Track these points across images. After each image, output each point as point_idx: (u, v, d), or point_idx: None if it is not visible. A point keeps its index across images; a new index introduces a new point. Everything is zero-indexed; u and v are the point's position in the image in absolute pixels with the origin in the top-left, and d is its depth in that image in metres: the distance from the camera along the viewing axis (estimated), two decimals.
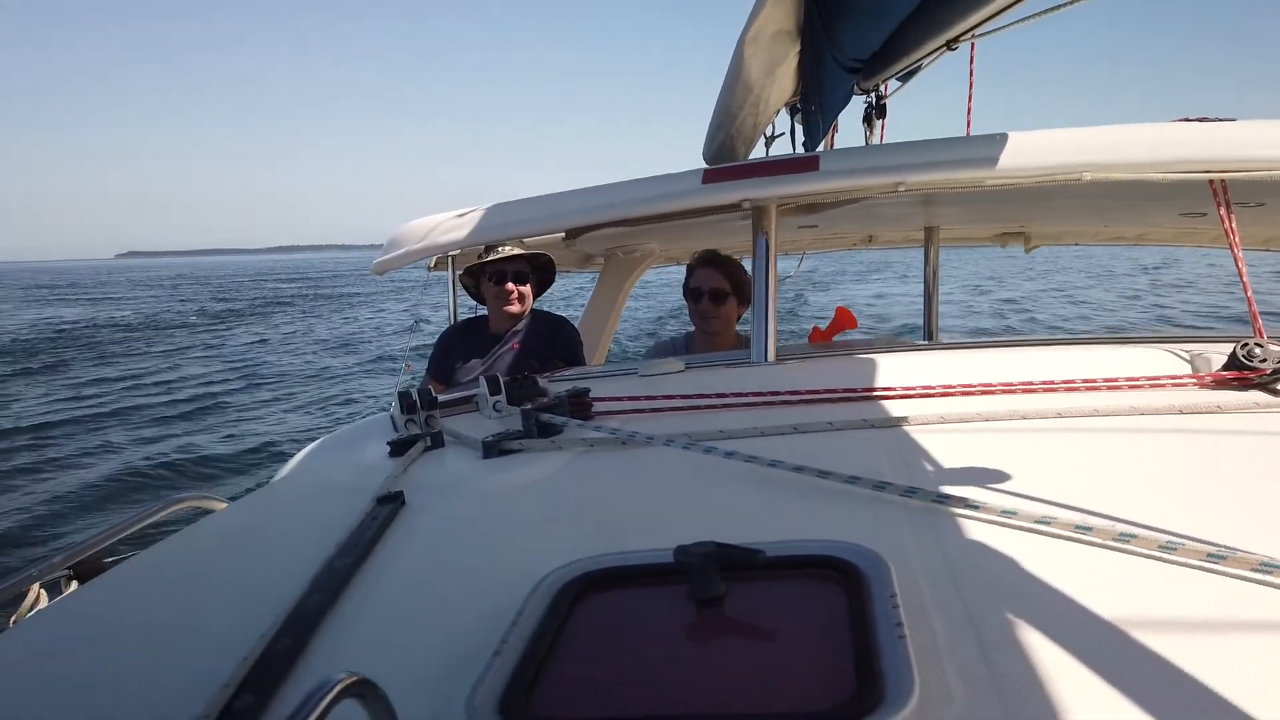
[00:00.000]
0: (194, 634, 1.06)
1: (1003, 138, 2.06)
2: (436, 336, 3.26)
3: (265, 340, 22.24)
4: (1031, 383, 1.78)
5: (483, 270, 3.04)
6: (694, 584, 0.87)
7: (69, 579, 1.89)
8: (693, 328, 3.18)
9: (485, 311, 3.19)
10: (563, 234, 2.80)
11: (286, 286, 54.41)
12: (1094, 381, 1.77)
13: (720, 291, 2.98)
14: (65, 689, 0.95)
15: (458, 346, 3.13)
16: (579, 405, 1.82)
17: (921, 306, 3.80)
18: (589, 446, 1.60)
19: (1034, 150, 2.03)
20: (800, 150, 4.02)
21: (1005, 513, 1.08)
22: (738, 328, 3.14)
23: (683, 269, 3.33)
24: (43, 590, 1.82)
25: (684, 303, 3.11)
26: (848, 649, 0.76)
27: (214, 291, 51.49)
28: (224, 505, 1.95)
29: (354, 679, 0.60)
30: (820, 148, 3.74)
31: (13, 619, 1.77)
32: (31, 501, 8.40)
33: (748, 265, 3.03)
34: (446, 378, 3.08)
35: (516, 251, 2.99)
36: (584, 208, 2.45)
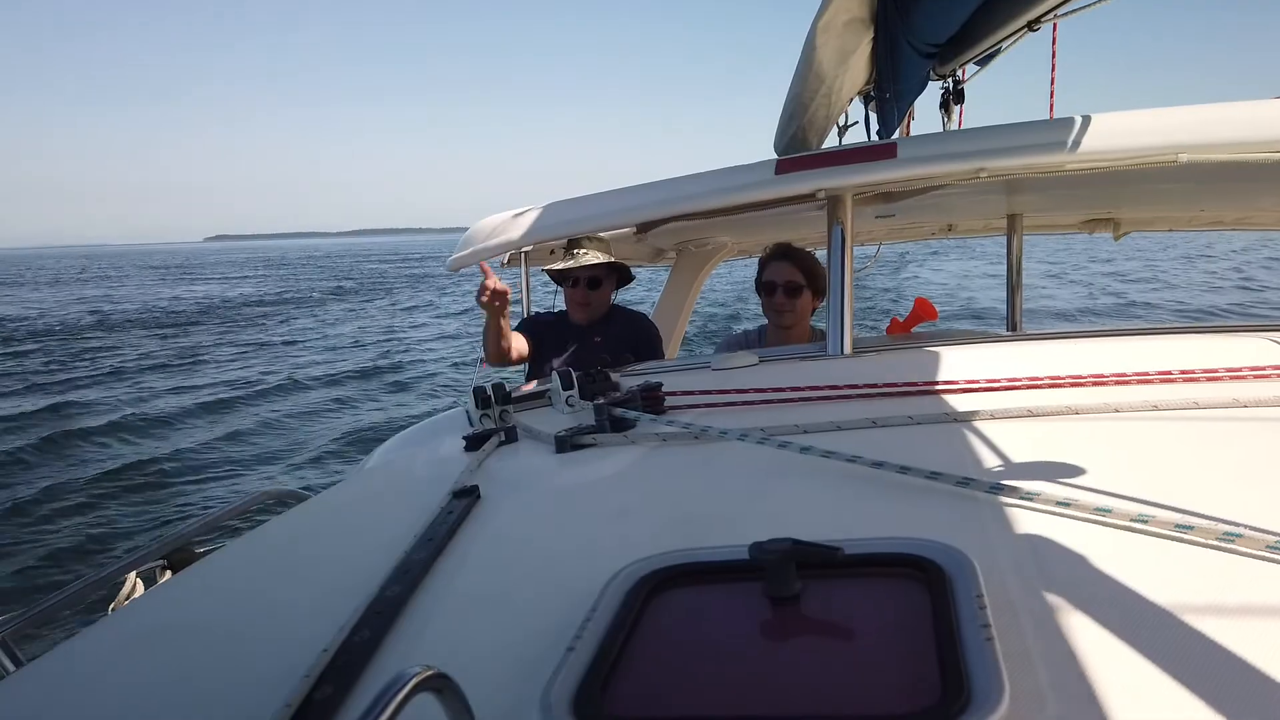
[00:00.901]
0: (279, 624, 1.08)
1: (1090, 119, 1.98)
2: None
3: (396, 313, 23.95)
4: (1124, 374, 1.70)
5: (558, 271, 3.06)
6: (770, 581, 0.85)
7: (163, 568, 1.97)
8: (766, 322, 3.14)
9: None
10: (634, 228, 2.80)
11: (389, 266, 58.01)
12: (1192, 372, 1.68)
13: (794, 285, 2.94)
14: (158, 675, 0.99)
15: (548, 333, 3.14)
16: (651, 400, 1.81)
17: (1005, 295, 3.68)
18: (662, 441, 1.59)
19: (1125, 132, 1.94)
20: (875, 139, 3.94)
21: (1099, 510, 1.03)
22: (814, 322, 3.10)
23: (754, 262, 3.29)
24: (139, 580, 1.90)
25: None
26: (931, 650, 0.73)
27: (324, 270, 55.31)
28: (308, 498, 2.00)
29: (430, 673, 0.60)
30: (895, 136, 3.66)
31: (111, 606, 1.86)
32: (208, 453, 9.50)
33: (821, 257, 2.98)
34: (534, 335, 3.10)
35: (593, 261, 2.98)
36: (654, 201, 2.44)
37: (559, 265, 3.01)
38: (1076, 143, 1.95)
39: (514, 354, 2.98)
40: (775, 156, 2.45)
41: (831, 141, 3.67)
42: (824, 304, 3.04)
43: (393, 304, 28.39)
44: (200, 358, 16.92)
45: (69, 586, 1.75)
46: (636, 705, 0.72)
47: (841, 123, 3.86)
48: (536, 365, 3.10)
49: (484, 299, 2.64)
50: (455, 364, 14.99)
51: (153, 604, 1.35)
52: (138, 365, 16.10)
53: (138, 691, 0.95)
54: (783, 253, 3.00)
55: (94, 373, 15.42)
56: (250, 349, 17.99)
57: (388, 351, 16.70)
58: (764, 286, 3.00)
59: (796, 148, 3.15)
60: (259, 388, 13.24)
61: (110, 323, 24.86)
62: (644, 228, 2.83)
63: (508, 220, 2.72)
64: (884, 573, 0.89)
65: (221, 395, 12.71)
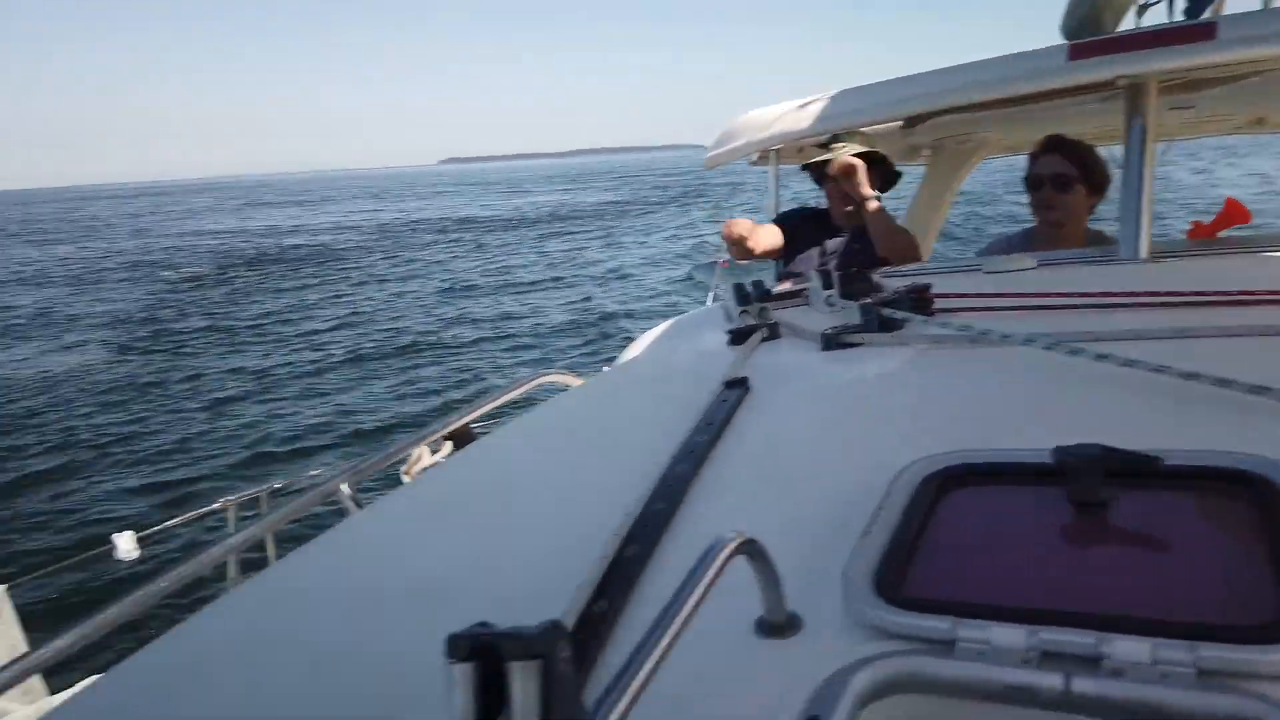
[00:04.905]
0: (573, 492, 1.18)
1: None
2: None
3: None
4: None
5: (820, 168, 2.96)
6: (1075, 486, 0.82)
7: (444, 441, 2.19)
8: (1034, 223, 2.91)
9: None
10: (901, 122, 2.66)
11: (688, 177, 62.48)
12: None
13: (1065, 178, 2.65)
14: (462, 534, 1.11)
15: (801, 228, 3.09)
16: (921, 301, 1.74)
17: None
18: (934, 344, 1.54)
19: None
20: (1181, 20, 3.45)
21: None
22: (1098, 226, 2.83)
23: (1018, 160, 3.04)
24: (426, 449, 2.13)
25: None
26: (1265, 568, 0.68)
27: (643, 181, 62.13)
28: (579, 382, 2.13)
29: (744, 538, 0.65)
30: (1205, 16, 3.19)
31: (404, 470, 2.10)
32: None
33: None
34: (789, 229, 3.08)
35: (852, 150, 2.86)
36: (931, 92, 2.29)
37: (820, 157, 2.88)
38: None
39: (760, 249, 2.95)
40: (1063, 41, 2.23)
41: (1129, 24, 3.26)
42: (1100, 203, 2.77)
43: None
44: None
45: (379, 450, 1.99)
46: (937, 590, 0.73)
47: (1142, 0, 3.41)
48: (789, 262, 3.06)
49: (741, 259, 2.68)
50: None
51: (445, 476, 1.51)
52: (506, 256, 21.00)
53: (444, 548, 1.08)
54: (1054, 144, 2.72)
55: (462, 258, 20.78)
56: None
57: None
58: (1031, 180, 2.76)
59: (1087, 30, 2.82)
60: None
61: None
62: (913, 121, 2.68)
63: (771, 115, 2.67)
64: (1205, 487, 0.82)
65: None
